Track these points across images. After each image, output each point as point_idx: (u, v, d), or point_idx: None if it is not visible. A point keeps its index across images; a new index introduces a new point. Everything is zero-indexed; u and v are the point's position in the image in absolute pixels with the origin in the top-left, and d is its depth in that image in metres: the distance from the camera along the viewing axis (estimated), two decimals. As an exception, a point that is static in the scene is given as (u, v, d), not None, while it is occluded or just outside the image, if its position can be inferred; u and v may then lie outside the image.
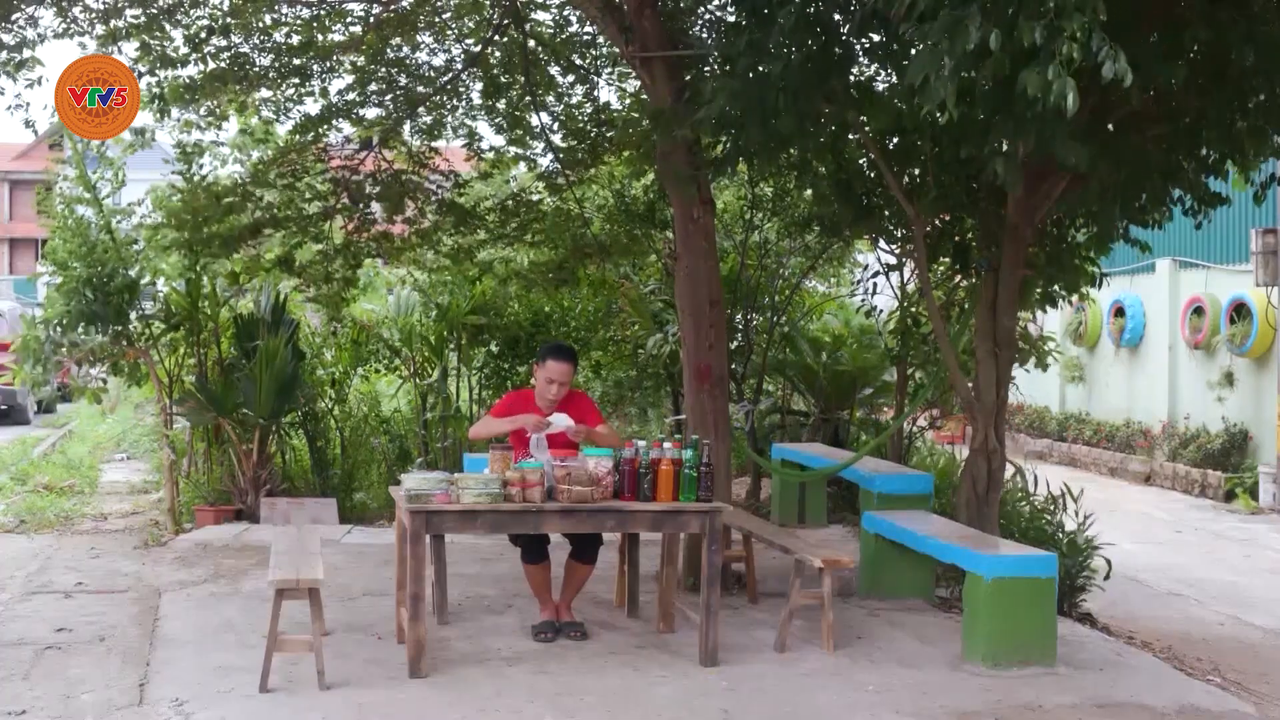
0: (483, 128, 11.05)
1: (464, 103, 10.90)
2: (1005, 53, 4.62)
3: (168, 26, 8.94)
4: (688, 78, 7.72)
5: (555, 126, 10.93)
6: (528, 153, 11.22)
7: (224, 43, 9.36)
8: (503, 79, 10.61)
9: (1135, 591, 9.68)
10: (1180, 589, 10.03)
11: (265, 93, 10.21)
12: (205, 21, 9.08)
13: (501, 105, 10.82)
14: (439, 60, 10.59)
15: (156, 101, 9.15)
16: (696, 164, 7.71)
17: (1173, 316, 16.66)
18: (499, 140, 11.25)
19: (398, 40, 10.08)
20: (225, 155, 11.44)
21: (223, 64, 9.39)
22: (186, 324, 10.90)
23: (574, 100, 10.91)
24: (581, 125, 10.90)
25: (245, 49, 9.55)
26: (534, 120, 10.81)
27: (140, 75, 8.83)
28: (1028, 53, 4.58)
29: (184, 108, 9.63)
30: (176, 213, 10.11)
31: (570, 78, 10.71)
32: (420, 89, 10.54)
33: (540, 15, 10.40)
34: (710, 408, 7.83)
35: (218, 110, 10.06)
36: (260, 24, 9.40)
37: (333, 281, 10.87)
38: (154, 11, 8.70)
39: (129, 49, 8.88)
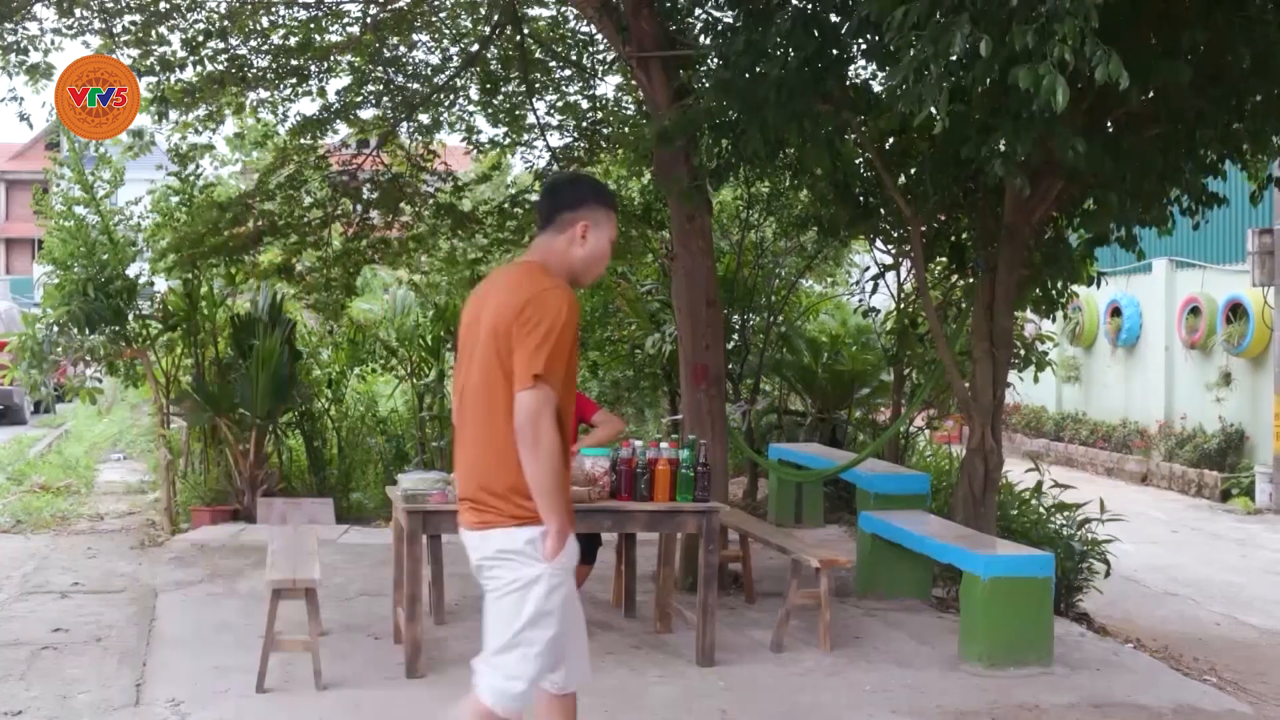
0: (480, 122, 11.02)
1: (462, 98, 10.86)
2: (996, 59, 4.62)
3: (165, 31, 8.92)
4: (683, 71, 7.69)
5: (552, 124, 10.91)
6: (522, 141, 11.13)
7: (221, 45, 9.34)
8: (499, 75, 10.59)
9: (1132, 591, 9.69)
10: (1177, 589, 10.03)
11: (263, 94, 10.19)
12: (202, 25, 9.06)
13: (498, 100, 10.79)
14: (436, 59, 10.58)
15: (156, 104, 9.14)
16: (696, 175, 7.67)
17: (1169, 316, 16.67)
18: (497, 133, 11.22)
19: (395, 40, 10.05)
20: (225, 156, 11.41)
21: (220, 66, 9.37)
22: (184, 324, 10.88)
23: (570, 98, 10.88)
24: (578, 122, 10.87)
25: (243, 51, 9.53)
26: (530, 118, 10.78)
27: (140, 76, 8.81)
28: (1020, 57, 4.58)
29: (183, 111, 9.61)
30: (183, 230, 10.04)
31: (567, 72, 10.67)
32: (416, 86, 10.51)
33: (538, 12, 10.38)
34: (707, 408, 7.82)
35: (215, 113, 10.03)
36: (258, 26, 9.39)
37: (331, 288, 10.85)
38: (151, 16, 8.68)
39: (129, 53, 8.88)
